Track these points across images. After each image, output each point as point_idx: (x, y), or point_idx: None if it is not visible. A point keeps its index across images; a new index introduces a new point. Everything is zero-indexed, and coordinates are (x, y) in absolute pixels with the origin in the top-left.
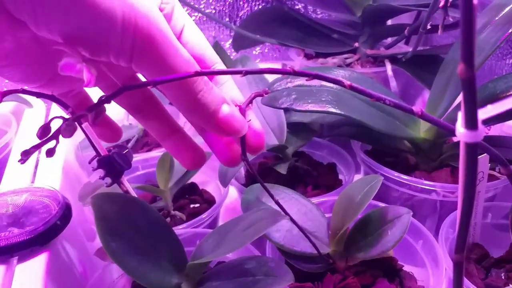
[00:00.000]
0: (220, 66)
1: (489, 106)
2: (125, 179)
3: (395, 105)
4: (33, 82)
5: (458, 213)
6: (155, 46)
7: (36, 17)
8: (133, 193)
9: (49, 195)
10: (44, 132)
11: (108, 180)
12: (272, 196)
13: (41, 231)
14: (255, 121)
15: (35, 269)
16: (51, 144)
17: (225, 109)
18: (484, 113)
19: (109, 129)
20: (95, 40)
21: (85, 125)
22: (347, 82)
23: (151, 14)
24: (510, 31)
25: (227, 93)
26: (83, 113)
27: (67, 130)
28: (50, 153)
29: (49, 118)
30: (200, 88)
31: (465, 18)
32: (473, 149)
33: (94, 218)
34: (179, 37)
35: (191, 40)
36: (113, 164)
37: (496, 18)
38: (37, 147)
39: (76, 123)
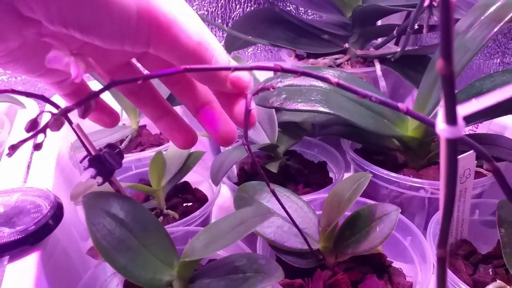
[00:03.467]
0: (219, 49)
1: (469, 102)
2: (116, 178)
3: (381, 102)
4: (33, 73)
5: (440, 208)
6: (171, 31)
7: (50, 14)
8: (125, 192)
9: (41, 195)
10: (32, 126)
11: (99, 179)
12: (268, 185)
13: (32, 231)
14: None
15: (26, 269)
16: (40, 138)
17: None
18: (464, 109)
19: (106, 114)
20: (111, 32)
21: (75, 124)
22: (334, 79)
23: (163, 0)
24: (495, 30)
25: None
26: (71, 107)
27: (55, 124)
28: (38, 147)
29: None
30: (214, 60)
31: (443, 15)
32: (454, 145)
33: (85, 217)
34: None
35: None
36: (103, 163)
37: (482, 18)
38: (25, 141)
39: (65, 120)
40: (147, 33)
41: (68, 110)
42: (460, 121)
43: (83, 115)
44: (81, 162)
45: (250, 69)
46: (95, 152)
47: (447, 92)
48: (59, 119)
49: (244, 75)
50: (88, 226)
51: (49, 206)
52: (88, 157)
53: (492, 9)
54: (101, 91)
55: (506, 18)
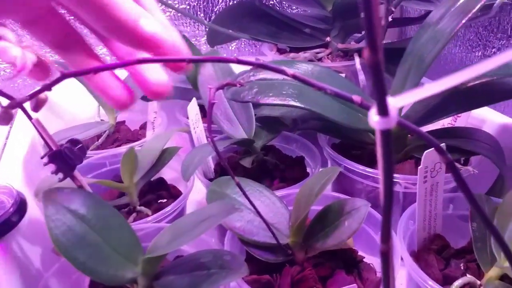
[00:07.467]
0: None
1: (403, 94)
2: (79, 173)
3: (336, 94)
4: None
5: (381, 202)
6: None
7: None
8: (88, 188)
9: (4, 191)
10: None
11: (61, 175)
12: (234, 178)
13: None
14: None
15: None
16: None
17: (144, 22)
18: (397, 101)
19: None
20: None
21: (34, 119)
22: (290, 72)
23: None
24: (463, 21)
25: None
26: (21, 100)
27: (2, 117)
28: None
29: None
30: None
31: (365, 3)
32: (387, 136)
33: (44, 213)
34: None
35: None
36: (64, 159)
37: (452, 9)
38: None
39: (25, 115)
40: None
41: (16, 103)
42: (393, 112)
43: (35, 108)
44: (42, 158)
45: (204, 60)
46: (56, 147)
47: (375, 82)
48: (7, 112)
49: (159, 31)
50: (47, 222)
51: (11, 203)
52: (48, 153)
53: (462, 0)
54: (53, 83)
55: (474, 10)
